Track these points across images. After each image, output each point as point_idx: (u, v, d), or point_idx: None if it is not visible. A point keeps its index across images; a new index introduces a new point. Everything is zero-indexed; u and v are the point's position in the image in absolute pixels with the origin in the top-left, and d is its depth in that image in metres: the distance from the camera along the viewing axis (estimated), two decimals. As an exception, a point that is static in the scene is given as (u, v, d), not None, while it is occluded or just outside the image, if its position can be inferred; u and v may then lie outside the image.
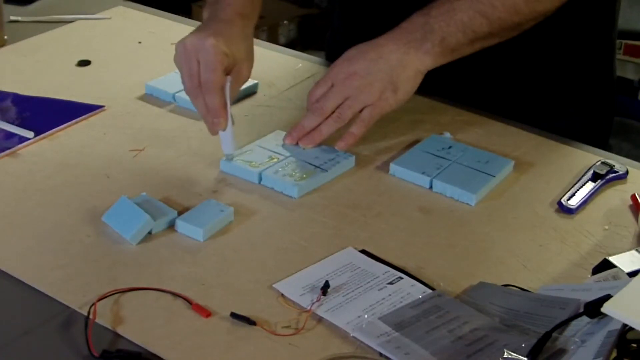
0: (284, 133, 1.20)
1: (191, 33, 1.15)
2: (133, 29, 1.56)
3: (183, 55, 1.14)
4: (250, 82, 1.33)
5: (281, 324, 0.90)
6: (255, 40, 1.37)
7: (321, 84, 1.18)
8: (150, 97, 1.33)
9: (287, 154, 1.17)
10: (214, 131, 1.15)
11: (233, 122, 1.14)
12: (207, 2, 1.23)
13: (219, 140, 1.16)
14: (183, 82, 1.16)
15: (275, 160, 1.16)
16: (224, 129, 1.14)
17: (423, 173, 1.14)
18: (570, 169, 1.18)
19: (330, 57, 1.37)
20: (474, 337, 0.86)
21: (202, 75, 1.13)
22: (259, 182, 1.13)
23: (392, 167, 1.16)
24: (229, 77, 1.13)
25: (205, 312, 0.91)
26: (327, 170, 1.14)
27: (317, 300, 0.92)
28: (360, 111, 1.16)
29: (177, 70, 1.37)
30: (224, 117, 1.13)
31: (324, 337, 0.89)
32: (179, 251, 1.01)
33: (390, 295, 0.94)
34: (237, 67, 1.15)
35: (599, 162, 1.18)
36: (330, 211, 1.09)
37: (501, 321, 0.89)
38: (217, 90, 1.12)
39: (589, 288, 0.92)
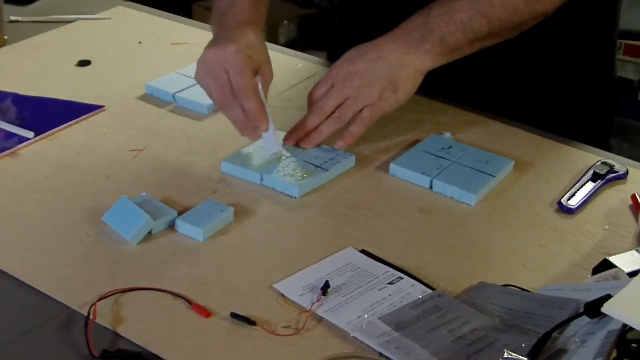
0: (284, 133, 1.20)
1: (207, 48, 1.14)
2: (133, 29, 1.56)
3: (207, 69, 1.13)
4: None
5: (281, 324, 0.90)
6: (256, 40, 1.37)
7: (321, 84, 1.19)
8: (150, 97, 1.33)
9: (288, 154, 1.17)
10: (255, 135, 1.14)
11: (273, 121, 1.14)
12: (212, 16, 1.22)
13: (262, 142, 1.15)
14: (211, 96, 1.14)
15: (276, 160, 1.16)
16: (267, 130, 1.13)
17: (423, 173, 1.14)
18: (570, 169, 1.18)
19: (332, 57, 1.37)
20: (474, 337, 0.87)
21: (233, 82, 1.11)
22: (260, 183, 1.13)
23: (392, 167, 1.16)
24: (258, 77, 1.13)
25: (205, 312, 0.91)
26: (327, 170, 1.14)
27: (317, 300, 0.92)
28: (360, 111, 1.17)
29: (177, 70, 1.38)
30: (265, 118, 1.12)
31: (324, 337, 0.89)
32: (179, 251, 1.01)
33: (390, 295, 0.94)
34: (261, 69, 1.14)
35: (599, 162, 1.18)
36: (330, 211, 1.09)
37: (501, 321, 0.89)
38: (253, 92, 1.11)
39: (589, 288, 0.92)
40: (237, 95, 1.11)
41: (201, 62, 1.14)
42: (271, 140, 1.15)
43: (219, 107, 1.15)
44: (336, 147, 1.17)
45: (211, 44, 1.15)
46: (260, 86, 1.13)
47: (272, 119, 1.14)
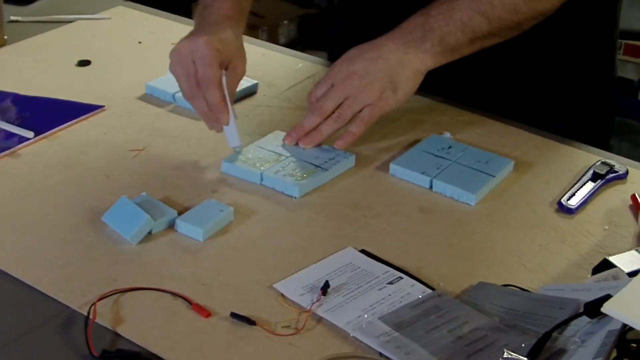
0: (283, 133, 1.20)
1: (182, 39, 1.17)
2: (133, 29, 1.56)
3: (178, 60, 1.15)
4: (250, 82, 1.34)
5: (281, 324, 0.90)
6: (255, 40, 1.37)
7: (321, 84, 1.19)
8: (150, 97, 1.33)
9: (287, 154, 1.17)
10: (218, 127, 1.16)
11: (236, 116, 1.16)
12: (196, 12, 1.24)
13: (224, 136, 1.16)
14: (181, 87, 1.17)
15: (276, 160, 1.16)
16: (227, 123, 1.15)
17: (423, 173, 1.14)
18: (570, 169, 1.18)
19: (332, 57, 1.37)
20: (474, 337, 0.87)
21: (199, 73, 1.14)
22: (260, 183, 1.13)
23: (392, 167, 1.16)
24: (224, 72, 1.15)
25: (205, 312, 0.91)
26: (327, 170, 1.14)
27: (317, 300, 0.92)
28: (360, 111, 1.17)
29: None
30: (224, 110, 1.14)
31: (324, 337, 0.89)
32: (179, 251, 1.01)
33: (390, 295, 0.94)
34: (232, 63, 1.17)
35: (599, 162, 1.18)
36: (330, 211, 1.09)
37: (501, 321, 0.89)
38: (216, 84, 1.14)
39: (589, 288, 0.92)
40: (201, 87, 1.14)
41: (174, 52, 1.16)
42: (231, 134, 1.16)
43: (186, 98, 1.17)
44: (336, 147, 1.17)
45: (186, 36, 1.17)
46: (225, 80, 1.15)
47: (235, 113, 1.16)
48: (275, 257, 1.00)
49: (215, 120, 1.15)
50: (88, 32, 1.55)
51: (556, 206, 1.11)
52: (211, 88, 1.13)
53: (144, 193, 1.07)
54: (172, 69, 1.17)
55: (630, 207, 1.11)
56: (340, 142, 1.17)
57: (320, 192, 1.13)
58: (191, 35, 1.17)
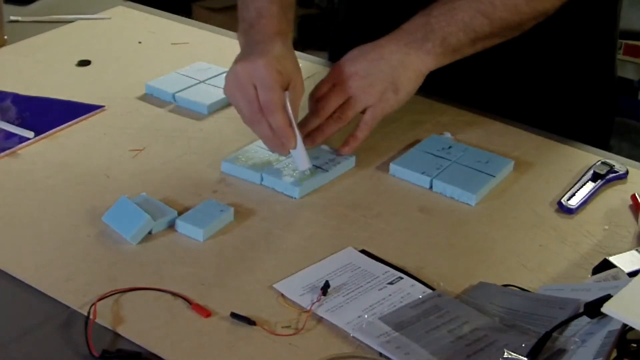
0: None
1: (236, 61, 1.11)
2: (133, 29, 1.56)
3: (236, 84, 1.09)
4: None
5: (281, 324, 0.90)
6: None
7: (323, 84, 1.18)
8: (150, 97, 1.33)
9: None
10: (284, 152, 1.11)
11: (301, 136, 1.11)
12: (239, 29, 1.19)
13: (292, 159, 1.13)
14: (240, 112, 1.11)
15: (276, 160, 1.16)
16: (295, 147, 1.10)
17: (423, 173, 1.14)
18: (570, 169, 1.18)
19: (334, 57, 1.37)
20: (474, 337, 0.87)
21: (261, 97, 1.08)
22: (260, 183, 1.13)
23: (392, 167, 1.16)
24: (287, 93, 1.10)
25: (205, 312, 0.91)
26: (327, 171, 1.14)
27: (317, 300, 0.92)
28: (362, 112, 1.16)
29: (177, 70, 1.38)
30: (292, 135, 1.09)
31: (324, 337, 0.89)
32: (179, 251, 1.01)
33: (390, 295, 0.94)
34: (292, 82, 1.11)
35: (599, 162, 1.18)
36: (330, 211, 1.09)
37: (501, 321, 0.89)
38: (280, 109, 1.08)
39: (589, 288, 0.92)
40: (264, 111, 1.08)
41: (230, 75, 1.11)
42: (300, 156, 1.11)
43: (246, 123, 1.12)
44: (342, 153, 1.17)
45: (240, 58, 1.12)
46: (288, 102, 1.09)
47: (301, 135, 1.11)
48: (275, 257, 1.00)
49: (280, 144, 1.10)
50: (88, 32, 1.55)
51: (556, 206, 1.11)
52: (276, 113, 1.08)
53: (144, 193, 1.07)
54: (229, 93, 1.12)
55: (630, 207, 1.11)
56: (346, 147, 1.17)
57: (320, 193, 1.12)
58: (245, 57, 1.11)
